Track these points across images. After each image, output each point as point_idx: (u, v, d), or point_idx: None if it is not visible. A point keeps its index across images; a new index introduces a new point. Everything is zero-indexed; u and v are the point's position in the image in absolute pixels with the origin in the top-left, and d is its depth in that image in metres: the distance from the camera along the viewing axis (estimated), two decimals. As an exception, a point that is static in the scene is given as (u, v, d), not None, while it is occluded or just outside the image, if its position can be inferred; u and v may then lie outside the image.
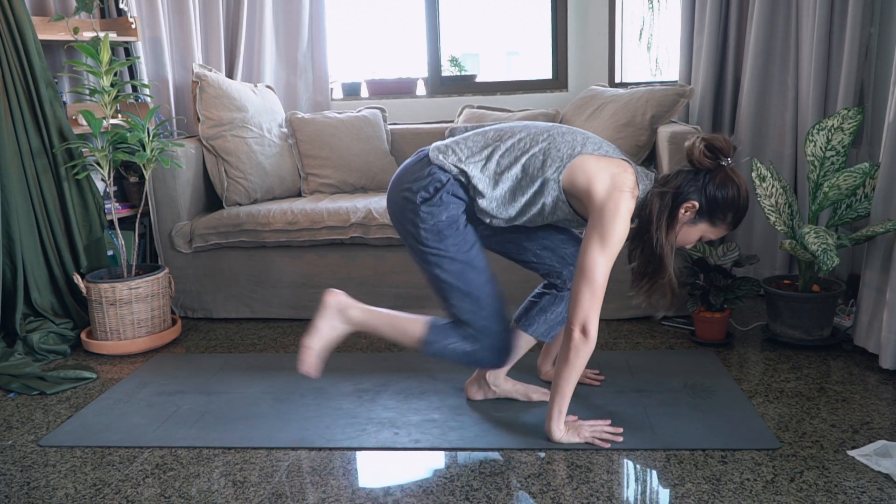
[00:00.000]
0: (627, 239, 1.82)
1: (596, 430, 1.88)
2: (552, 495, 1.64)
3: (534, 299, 2.11)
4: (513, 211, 1.86)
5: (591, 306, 1.77)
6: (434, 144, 1.93)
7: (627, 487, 1.67)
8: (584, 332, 1.77)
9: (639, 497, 1.64)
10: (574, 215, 1.88)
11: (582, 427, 1.88)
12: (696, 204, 1.80)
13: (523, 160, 1.83)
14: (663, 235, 1.80)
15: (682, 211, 1.81)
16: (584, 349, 1.79)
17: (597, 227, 1.76)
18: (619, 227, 1.75)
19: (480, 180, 1.84)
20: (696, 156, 1.79)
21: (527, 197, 1.84)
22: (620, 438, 1.87)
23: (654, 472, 1.73)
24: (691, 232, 1.85)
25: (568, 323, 1.80)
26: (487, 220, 1.88)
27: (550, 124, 1.92)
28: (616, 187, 1.77)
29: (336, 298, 2.00)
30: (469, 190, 1.86)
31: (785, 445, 1.82)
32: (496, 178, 1.84)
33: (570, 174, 1.80)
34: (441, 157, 1.87)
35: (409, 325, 1.98)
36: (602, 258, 1.75)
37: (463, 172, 1.84)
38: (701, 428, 1.92)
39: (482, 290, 1.90)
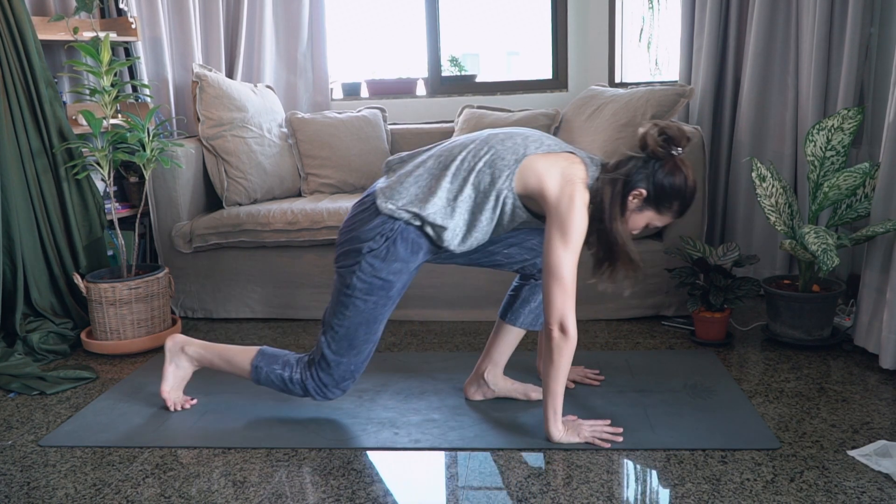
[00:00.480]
0: None
1: (596, 429, 1.88)
2: (552, 495, 1.64)
3: (513, 293, 2.13)
4: (478, 233, 1.87)
5: (564, 303, 1.78)
6: (379, 187, 1.90)
7: (627, 487, 1.67)
8: (563, 329, 1.78)
9: (639, 497, 1.64)
10: (532, 217, 1.90)
11: (582, 427, 1.88)
12: (644, 192, 1.82)
13: (472, 179, 1.83)
14: (617, 223, 1.82)
15: (631, 199, 1.83)
16: (565, 347, 1.79)
17: (556, 224, 1.78)
18: (577, 221, 1.77)
19: (437, 215, 1.83)
20: (649, 143, 1.81)
21: (486, 213, 1.84)
22: (620, 438, 1.87)
23: (654, 472, 1.73)
24: (638, 219, 1.87)
25: (546, 324, 1.80)
26: (456, 251, 1.90)
27: (487, 133, 1.92)
28: (567, 181, 1.79)
29: (173, 341, 2.14)
30: (426, 227, 1.86)
31: (785, 445, 1.82)
32: (452, 206, 1.84)
33: (521, 178, 1.82)
34: (389, 204, 1.84)
35: (240, 355, 2.07)
36: (566, 253, 1.77)
37: (416, 216, 1.83)
38: (701, 428, 1.92)
39: (360, 346, 1.94)
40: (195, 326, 2.98)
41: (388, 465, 1.81)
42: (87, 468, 1.84)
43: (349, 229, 1.92)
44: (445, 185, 1.84)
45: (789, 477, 1.68)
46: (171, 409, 2.14)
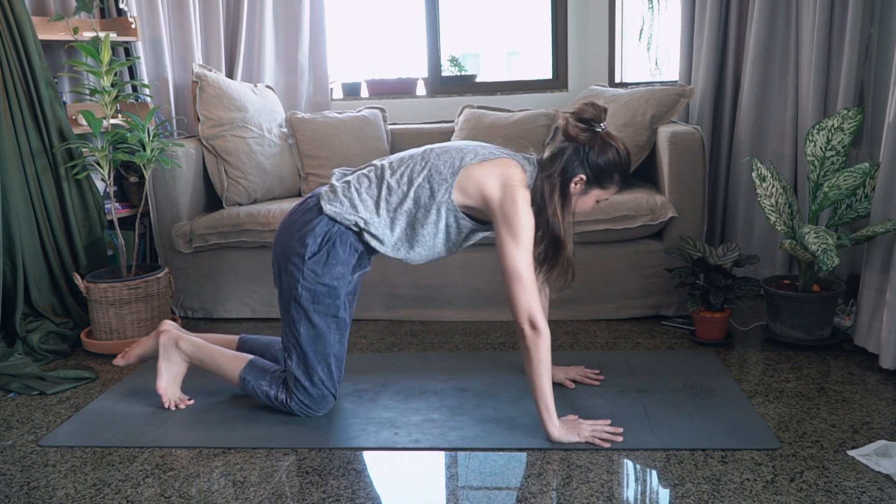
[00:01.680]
0: None
1: (596, 429, 1.88)
2: (552, 495, 1.64)
3: None
4: (423, 248, 1.95)
5: (528, 300, 1.82)
6: (323, 190, 1.98)
7: (627, 487, 1.67)
8: (534, 326, 1.82)
9: (639, 497, 1.64)
10: (480, 226, 1.96)
11: (582, 426, 1.88)
12: (584, 176, 1.89)
13: (411, 193, 1.91)
14: (559, 216, 1.89)
15: (573, 186, 1.89)
16: (540, 342, 1.83)
17: (504, 227, 1.84)
18: (523, 219, 1.83)
19: (376, 225, 1.92)
20: (571, 132, 1.87)
21: (428, 228, 1.92)
22: (620, 438, 1.87)
23: (654, 472, 1.73)
24: (586, 200, 1.95)
25: (517, 324, 1.84)
26: (411, 262, 1.99)
27: (425, 148, 1.99)
28: (506, 183, 1.86)
29: (167, 336, 2.15)
30: (363, 235, 1.93)
31: (785, 445, 1.82)
32: (392, 218, 1.92)
33: (461, 189, 1.89)
34: (332, 207, 1.92)
35: (230, 363, 2.10)
36: (519, 252, 1.83)
37: (358, 224, 1.91)
38: (701, 428, 1.92)
39: (323, 359, 1.98)
40: (195, 326, 2.98)
41: (388, 465, 1.81)
42: (87, 468, 1.84)
43: (289, 226, 1.97)
44: (384, 196, 1.92)
45: (789, 477, 1.68)
46: (167, 406, 2.15)
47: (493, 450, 1.85)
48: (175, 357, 2.16)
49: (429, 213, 1.91)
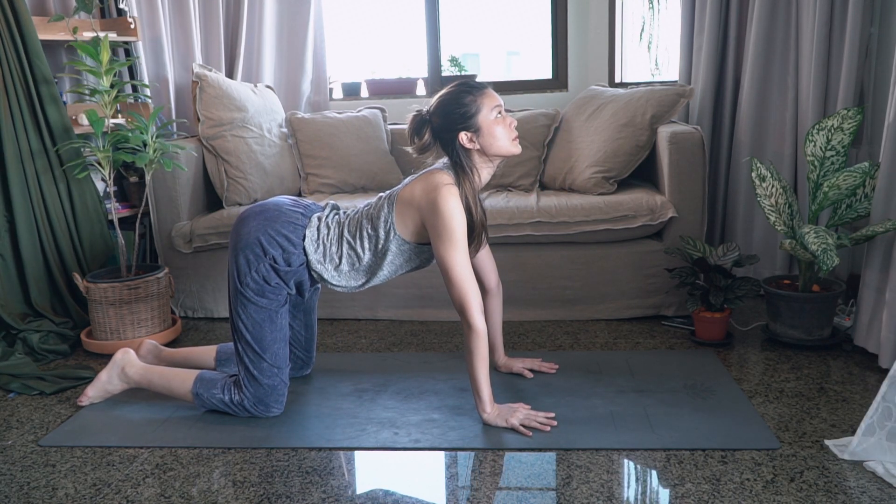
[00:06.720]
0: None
1: (529, 417, 1.95)
2: (552, 495, 1.64)
3: None
4: (377, 281, 2.06)
5: (463, 298, 1.89)
6: (316, 216, 2.04)
7: (627, 487, 1.68)
8: (468, 322, 1.90)
9: (639, 497, 1.64)
10: (426, 248, 2.02)
11: (515, 413, 1.95)
12: (462, 132, 1.93)
13: (367, 245, 2.00)
14: (469, 183, 1.95)
15: (466, 144, 1.94)
16: (473, 337, 1.90)
17: (434, 229, 1.90)
18: (451, 220, 1.88)
19: (337, 279, 2.04)
20: (419, 143, 1.98)
21: (385, 269, 2.03)
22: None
23: (654, 472, 1.73)
24: (491, 132, 1.94)
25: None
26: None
27: (366, 203, 2.08)
28: (430, 190, 1.91)
29: (123, 357, 2.20)
30: (322, 282, 2.06)
31: (785, 445, 1.82)
32: (354, 272, 2.03)
33: (400, 219, 1.97)
34: (311, 248, 2.00)
35: (180, 381, 2.12)
36: (451, 253, 1.88)
37: (320, 273, 2.02)
38: (701, 428, 1.92)
39: (270, 346, 2.02)
40: (195, 326, 2.98)
41: (388, 465, 1.82)
42: (87, 468, 1.84)
43: (272, 220, 2.00)
44: (346, 252, 2.01)
45: (789, 477, 1.68)
46: (80, 402, 2.20)
47: (493, 450, 1.85)
48: (115, 380, 2.19)
49: (385, 256, 2.00)
